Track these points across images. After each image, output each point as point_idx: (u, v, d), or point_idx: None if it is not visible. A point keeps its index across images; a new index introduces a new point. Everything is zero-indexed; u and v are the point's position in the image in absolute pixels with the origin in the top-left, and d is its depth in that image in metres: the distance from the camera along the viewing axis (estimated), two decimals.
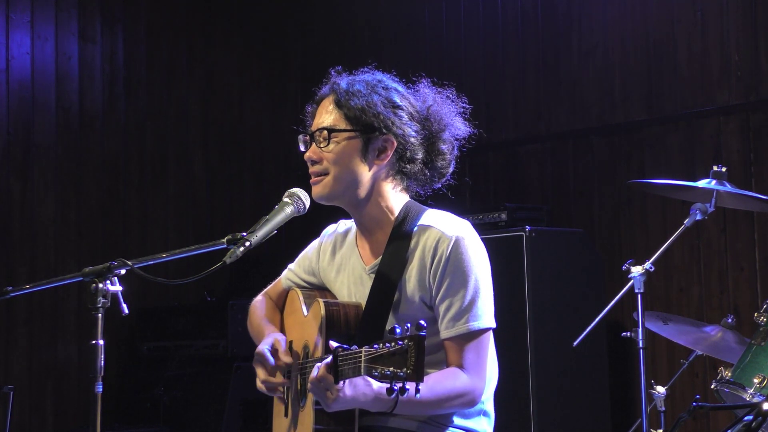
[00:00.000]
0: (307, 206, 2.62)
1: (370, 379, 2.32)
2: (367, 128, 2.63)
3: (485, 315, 2.60)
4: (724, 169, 3.61)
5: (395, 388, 2.15)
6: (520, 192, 5.80)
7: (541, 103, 5.79)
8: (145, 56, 6.33)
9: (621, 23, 5.48)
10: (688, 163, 5.18)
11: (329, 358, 2.37)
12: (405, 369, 2.14)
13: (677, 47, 5.27)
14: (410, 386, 2.14)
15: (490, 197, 5.90)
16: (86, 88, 6.06)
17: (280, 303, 3.01)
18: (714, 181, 3.60)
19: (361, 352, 2.25)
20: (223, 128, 6.66)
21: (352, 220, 2.82)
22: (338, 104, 2.66)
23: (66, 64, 5.98)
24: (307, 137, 2.73)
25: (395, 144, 2.65)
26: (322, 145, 2.66)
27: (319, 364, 2.40)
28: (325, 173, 2.67)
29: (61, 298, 5.80)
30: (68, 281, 2.51)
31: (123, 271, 2.39)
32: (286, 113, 6.95)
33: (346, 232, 2.87)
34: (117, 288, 2.37)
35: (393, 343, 2.17)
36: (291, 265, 3.01)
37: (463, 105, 2.79)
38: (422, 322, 2.16)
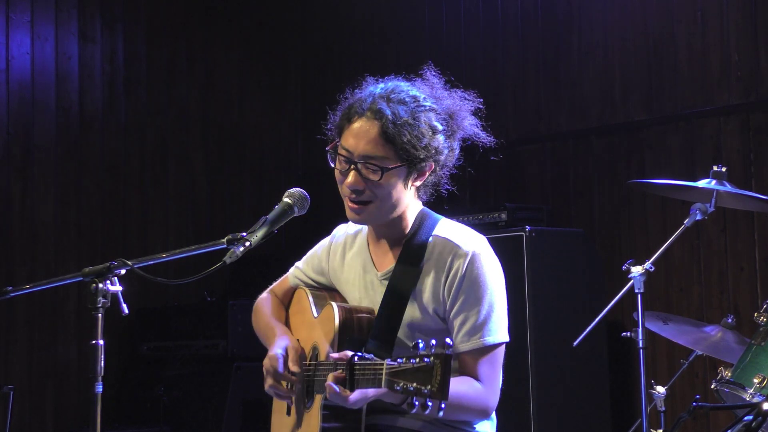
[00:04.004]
0: (307, 206, 2.63)
1: None
2: (415, 160, 2.61)
3: (500, 330, 2.63)
4: (724, 169, 3.61)
5: (416, 403, 2.12)
6: (520, 192, 5.79)
7: (541, 103, 5.79)
8: (145, 56, 6.33)
9: (621, 23, 5.47)
10: (688, 163, 5.18)
11: (343, 370, 2.38)
12: (429, 386, 2.09)
13: (677, 47, 5.26)
14: (432, 403, 2.10)
15: (490, 197, 5.89)
16: (86, 88, 6.06)
17: (285, 301, 3.00)
18: (714, 181, 3.59)
19: (382, 365, 2.23)
20: (223, 128, 6.65)
21: None
22: (386, 137, 2.58)
23: (66, 64, 5.98)
24: (340, 157, 2.66)
25: (433, 167, 2.67)
26: (372, 177, 2.60)
27: (334, 373, 2.39)
28: (369, 201, 2.63)
29: (61, 298, 5.80)
30: (68, 281, 2.51)
31: (123, 271, 2.39)
32: (286, 113, 6.96)
33: (356, 234, 2.86)
34: (117, 288, 2.37)
35: (418, 360, 2.13)
36: (299, 263, 2.99)
37: (478, 105, 2.81)
38: (448, 340, 2.12)
